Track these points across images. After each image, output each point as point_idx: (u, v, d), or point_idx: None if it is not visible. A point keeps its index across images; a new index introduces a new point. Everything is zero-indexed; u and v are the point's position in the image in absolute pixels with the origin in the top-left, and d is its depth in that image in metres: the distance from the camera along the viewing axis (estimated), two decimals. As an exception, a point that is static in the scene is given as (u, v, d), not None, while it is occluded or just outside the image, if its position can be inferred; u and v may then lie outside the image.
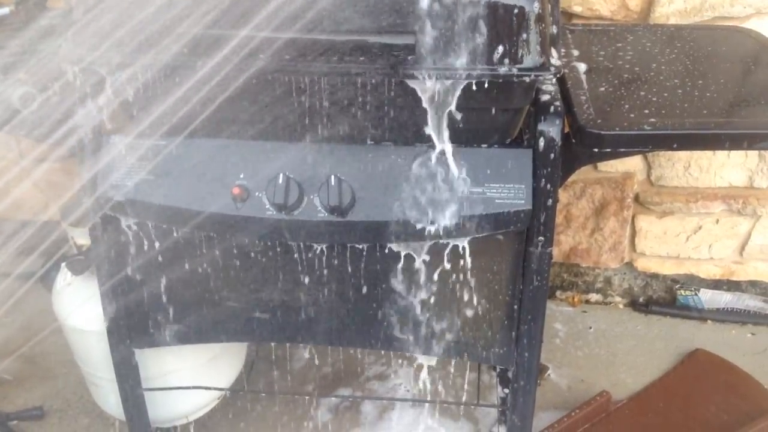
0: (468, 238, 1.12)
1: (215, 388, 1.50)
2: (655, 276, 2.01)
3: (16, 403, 1.76)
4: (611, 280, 2.05)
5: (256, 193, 1.11)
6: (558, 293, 2.09)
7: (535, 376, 1.27)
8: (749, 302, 1.99)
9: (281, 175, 1.10)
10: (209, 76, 1.02)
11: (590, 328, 2.01)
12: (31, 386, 1.81)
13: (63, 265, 1.46)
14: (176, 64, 1.02)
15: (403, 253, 1.16)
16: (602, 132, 1.04)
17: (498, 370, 1.64)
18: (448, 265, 1.16)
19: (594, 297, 2.08)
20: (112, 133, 1.14)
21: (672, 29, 1.39)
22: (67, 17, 1.21)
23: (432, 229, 1.10)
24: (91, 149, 1.12)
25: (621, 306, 2.08)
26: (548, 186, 1.09)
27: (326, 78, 1.02)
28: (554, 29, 1.06)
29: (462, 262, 1.16)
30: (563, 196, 1.87)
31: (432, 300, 1.21)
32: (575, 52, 1.26)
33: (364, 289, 1.20)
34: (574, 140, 1.07)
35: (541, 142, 1.07)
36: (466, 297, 1.20)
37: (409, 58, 0.99)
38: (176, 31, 0.99)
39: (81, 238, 1.34)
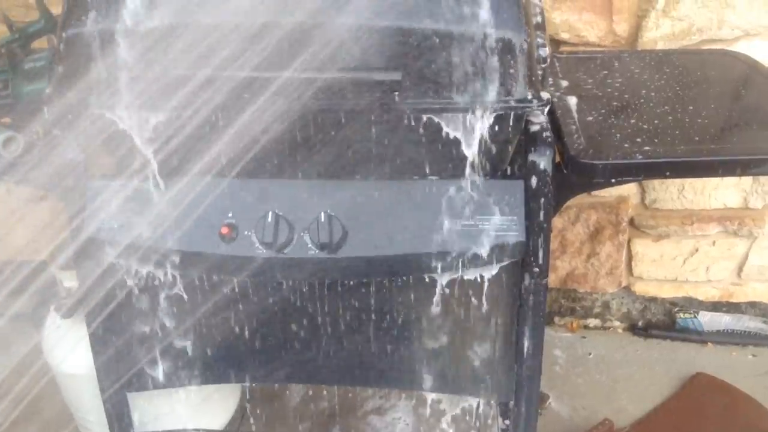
0: (461, 272, 1.11)
1: (210, 431, 1.47)
2: (653, 299, 1.99)
3: (7, 448, 1.73)
4: (609, 305, 2.03)
5: (245, 232, 1.09)
6: (556, 319, 2.07)
7: (535, 409, 1.24)
8: (749, 324, 1.97)
9: (270, 212, 1.08)
10: (196, 116, 1.01)
11: (590, 354, 1.98)
12: (22, 430, 1.78)
13: (52, 308, 1.44)
14: (162, 105, 1.00)
15: (394, 289, 1.14)
16: (594, 162, 1.02)
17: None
18: (441, 300, 1.14)
19: (593, 322, 2.06)
20: (97, 176, 1.12)
21: (660, 54, 1.38)
22: (52, 59, 1.20)
23: (423, 264, 1.08)
24: (76, 192, 1.11)
25: (620, 330, 2.06)
26: (541, 216, 1.08)
27: (314, 114, 1.00)
28: (542, 59, 1.05)
29: (455, 295, 1.14)
30: (558, 221, 1.86)
31: (426, 335, 1.19)
32: (563, 82, 1.26)
33: (357, 326, 1.18)
34: (565, 170, 1.06)
35: (533, 173, 1.06)
36: (461, 331, 1.18)
37: (396, 94, 0.98)
38: (165, 73, 0.98)
39: (69, 280, 1.32)
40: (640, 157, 1.03)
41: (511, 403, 1.25)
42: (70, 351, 1.37)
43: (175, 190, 1.10)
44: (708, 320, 1.98)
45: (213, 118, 1.01)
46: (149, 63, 1.00)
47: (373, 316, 1.18)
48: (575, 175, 1.05)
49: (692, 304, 1.98)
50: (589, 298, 2.03)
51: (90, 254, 1.14)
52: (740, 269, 1.89)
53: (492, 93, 1.00)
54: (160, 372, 1.26)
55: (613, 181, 1.05)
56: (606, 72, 1.31)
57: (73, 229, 1.13)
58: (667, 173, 1.04)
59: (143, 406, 1.36)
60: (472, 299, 1.15)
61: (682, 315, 1.99)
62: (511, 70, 0.99)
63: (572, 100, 1.18)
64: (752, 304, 1.96)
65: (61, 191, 1.11)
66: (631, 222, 1.85)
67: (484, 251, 1.07)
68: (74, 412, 1.49)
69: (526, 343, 1.17)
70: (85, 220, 1.12)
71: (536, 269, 1.11)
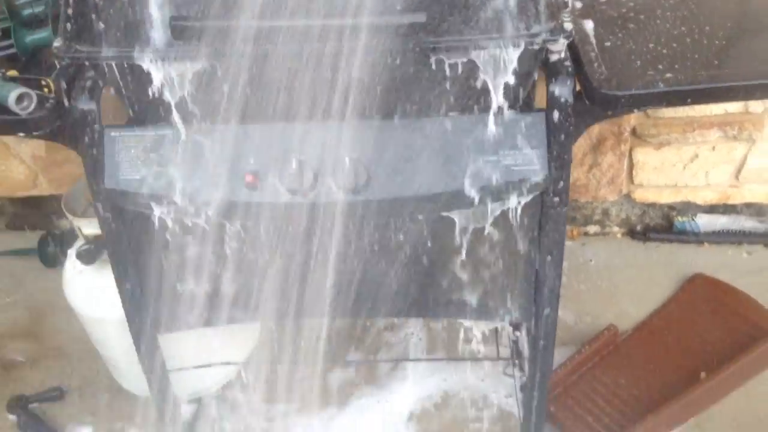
0: (484, 207, 1.12)
1: (236, 363, 1.51)
2: (652, 205, 2.03)
3: (33, 385, 1.76)
4: (609, 212, 2.07)
5: (270, 178, 1.09)
6: (557, 228, 2.10)
7: (554, 329, 1.29)
8: (744, 223, 2.02)
9: (293, 158, 1.08)
10: (217, 62, 0.99)
11: (591, 260, 2.04)
12: (45, 366, 1.81)
13: (70, 252, 1.44)
14: (185, 51, 0.98)
15: (419, 224, 1.15)
16: (617, 93, 1.02)
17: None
18: (465, 234, 1.16)
19: (592, 229, 2.11)
20: (116, 125, 1.11)
21: (671, -33, 1.35)
22: (53, 4, 1.16)
23: (447, 202, 1.10)
24: (97, 142, 1.09)
25: (619, 236, 2.10)
26: (563, 148, 1.08)
27: (335, 57, 0.99)
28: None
29: (479, 229, 1.16)
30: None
31: (449, 266, 1.22)
32: (577, 3, 1.23)
33: (383, 263, 1.20)
34: (587, 101, 1.06)
35: (554, 105, 1.06)
36: (484, 261, 1.21)
37: (420, 34, 0.97)
38: (181, 18, 0.95)
39: (88, 228, 1.32)
40: (663, 86, 1.03)
41: (530, 326, 1.30)
42: (94, 296, 1.39)
43: (196, 137, 1.09)
44: (705, 222, 2.03)
45: (234, 64, 0.99)
46: (165, 6, 0.96)
47: (396, 251, 1.20)
48: (598, 106, 1.05)
49: (690, 208, 2.02)
50: (588, 206, 2.06)
51: (112, 203, 1.14)
52: (738, 172, 1.92)
53: (513, 26, 0.99)
54: (188, 314, 1.29)
55: (633, 109, 1.05)
56: (618, -10, 1.28)
57: (93, 179, 1.12)
58: (689, 100, 1.05)
59: (170, 344, 1.40)
60: (494, 231, 1.17)
61: (680, 218, 2.04)
62: (532, 1, 0.98)
63: (589, 25, 1.16)
64: (748, 205, 2.00)
65: (79, 143, 1.09)
66: (633, 131, 1.86)
67: (507, 186, 1.09)
68: (101, 351, 1.52)
69: (546, 268, 1.21)
70: (106, 170, 1.10)
71: (556, 198, 1.13)
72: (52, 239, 2.01)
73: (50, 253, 2.00)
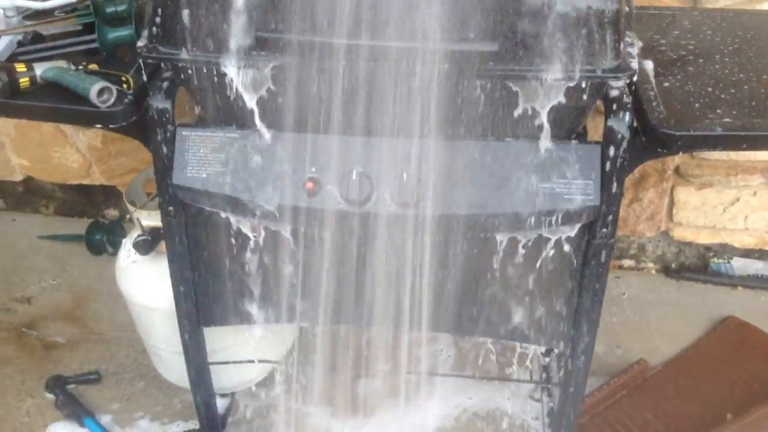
0: (534, 232, 1.15)
1: (272, 362, 1.55)
2: (689, 244, 2.05)
3: (72, 367, 1.82)
4: (645, 247, 2.09)
5: (327, 187, 1.13)
6: (592, 259, 2.12)
7: (590, 357, 1.31)
8: (780, 270, 2.03)
9: (352, 169, 1.12)
10: (293, 73, 1.04)
11: (624, 294, 2.05)
12: (84, 350, 1.87)
13: (125, 242, 1.49)
14: (265, 61, 1.03)
15: (467, 245, 1.18)
16: (675, 133, 1.05)
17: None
18: (509, 257, 1.19)
19: (627, 263, 2.12)
20: (187, 124, 1.16)
21: (731, 15, 1.38)
22: (135, 4, 1.22)
23: (499, 223, 1.13)
24: (168, 139, 1.14)
25: (653, 272, 2.12)
26: (616, 181, 1.11)
27: (404, 79, 1.03)
28: (628, 27, 1.07)
29: (524, 252, 1.19)
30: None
31: (491, 288, 1.24)
32: (638, 43, 1.26)
33: (426, 277, 1.23)
34: (644, 138, 1.09)
35: (610, 139, 1.09)
36: (526, 285, 1.24)
37: (490, 62, 1.00)
38: (270, 31, 0.99)
39: (147, 219, 1.37)
40: (720, 130, 1.05)
41: (567, 352, 1.32)
42: (146, 285, 1.43)
43: (263, 142, 1.13)
44: (740, 266, 2.04)
45: (307, 76, 1.03)
46: (250, 17, 1.01)
47: (441, 265, 1.23)
48: (655, 144, 1.08)
49: (726, 250, 2.03)
50: (625, 239, 2.08)
51: (177, 199, 1.18)
52: (778, 219, 1.93)
53: (580, 60, 1.02)
54: (235, 310, 1.33)
55: (690, 151, 1.07)
56: (677, 32, 1.32)
57: (161, 174, 1.16)
58: (744, 146, 1.07)
59: (212, 338, 1.44)
60: (539, 257, 1.20)
61: (716, 260, 2.05)
62: (601, 39, 1.01)
63: (649, 65, 1.19)
64: (785, 253, 2.01)
65: (151, 139, 1.14)
66: (676, 170, 1.88)
67: (558, 214, 1.11)
68: (146, 340, 1.56)
69: (588, 297, 1.23)
70: (174, 167, 1.15)
71: (605, 230, 1.15)
72: (99, 228, 2.07)
73: (97, 241, 2.06)
